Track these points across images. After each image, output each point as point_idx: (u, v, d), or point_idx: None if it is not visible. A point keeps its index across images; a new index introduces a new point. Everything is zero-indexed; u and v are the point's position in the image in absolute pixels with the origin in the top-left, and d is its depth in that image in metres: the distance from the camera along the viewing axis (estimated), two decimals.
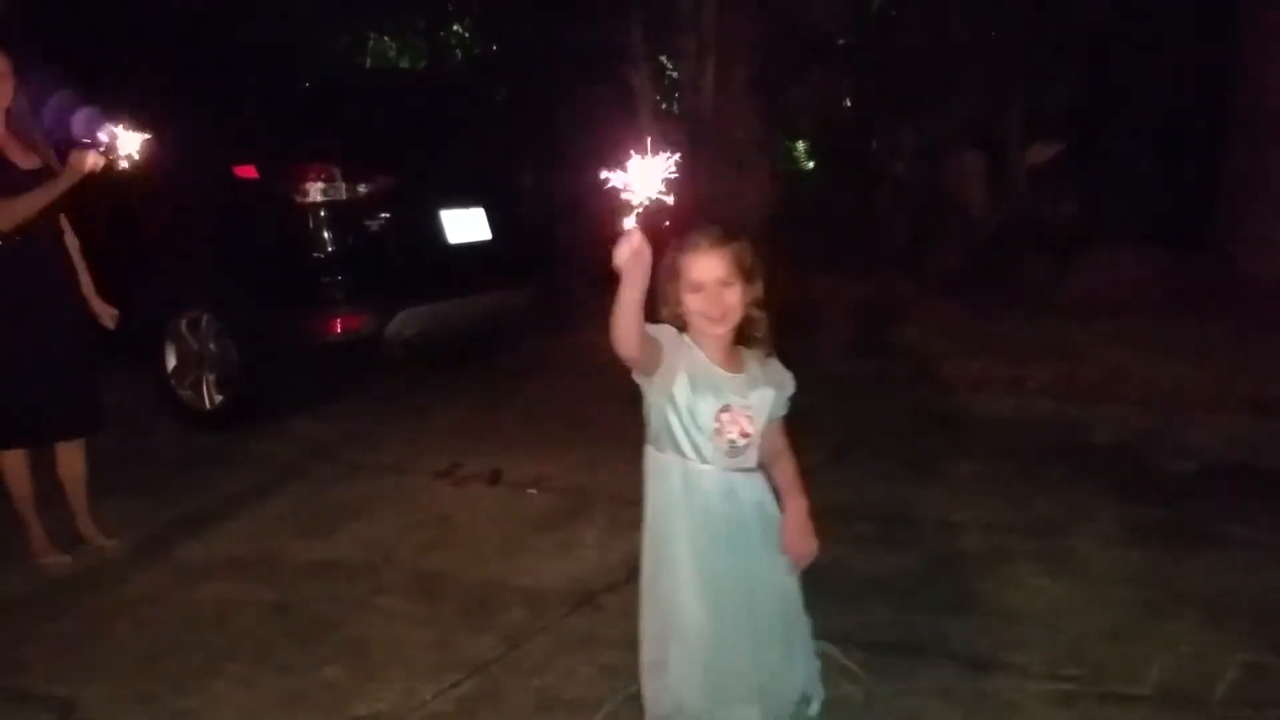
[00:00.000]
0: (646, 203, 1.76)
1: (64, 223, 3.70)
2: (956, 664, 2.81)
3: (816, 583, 3.21)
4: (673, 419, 2.05)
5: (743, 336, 2.11)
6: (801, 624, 2.23)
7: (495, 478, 4.34)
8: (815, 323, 7.36)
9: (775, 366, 2.14)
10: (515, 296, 5.84)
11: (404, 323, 5.15)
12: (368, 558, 3.63)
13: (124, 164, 3.51)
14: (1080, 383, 5.67)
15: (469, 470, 4.46)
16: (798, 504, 2.17)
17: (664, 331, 2.05)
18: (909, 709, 2.61)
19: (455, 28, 13.59)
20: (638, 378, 2.06)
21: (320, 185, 4.93)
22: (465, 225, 5.50)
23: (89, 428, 3.77)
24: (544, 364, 6.54)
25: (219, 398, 5.23)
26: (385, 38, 12.94)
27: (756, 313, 2.09)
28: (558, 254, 6.14)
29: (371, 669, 2.87)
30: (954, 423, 5.17)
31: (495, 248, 5.58)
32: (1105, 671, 2.75)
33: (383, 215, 5.13)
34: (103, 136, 3.51)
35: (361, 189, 5.04)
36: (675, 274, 2.05)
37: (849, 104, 11.27)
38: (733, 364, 2.09)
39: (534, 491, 4.22)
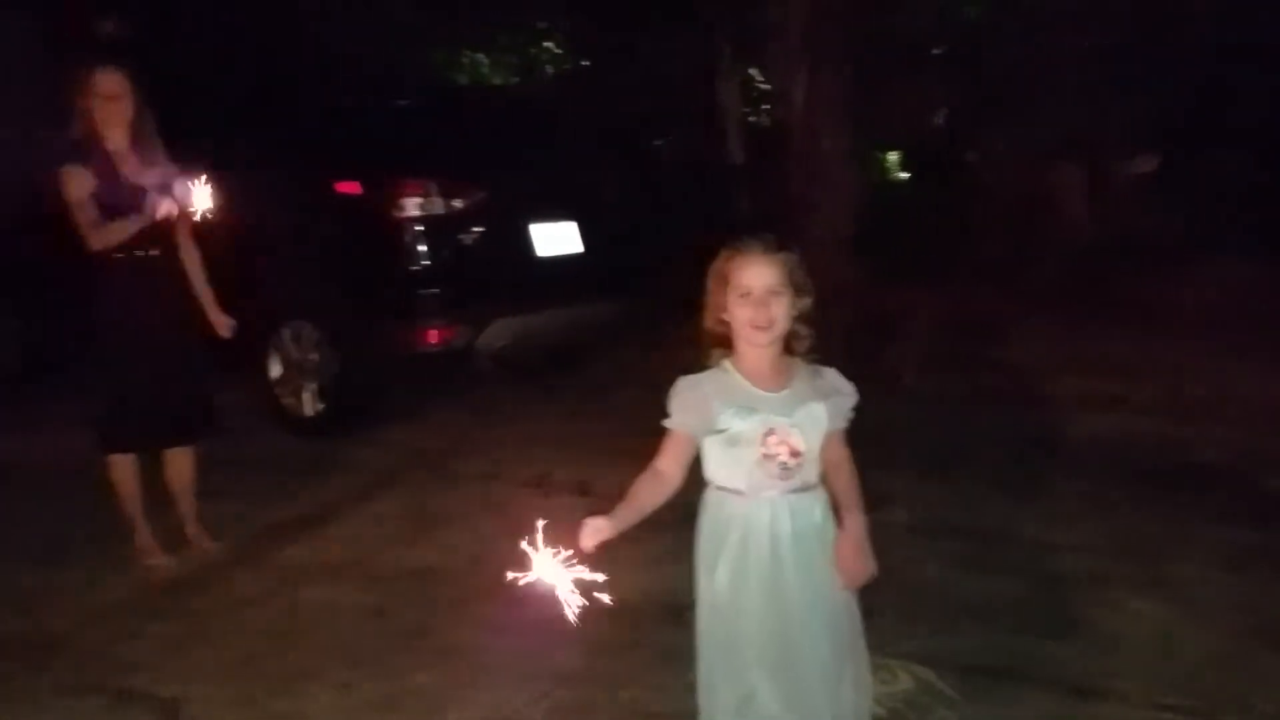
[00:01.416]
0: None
1: (187, 235, 3.85)
2: (1055, 690, 2.74)
3: (909, 604, 3.19)
4: (720, 451, 2.03)
5: (789, 351, 2.07)
6: (857, 651, 2.16)
7: (584, 489, 4.38)
8: (908, 337, 7.26)
9: (830, 377, 2.09)
10: (606, 309, 5.89)
11: (496, 333, 5.24)
12: (459, 565, 3.69)
13: (196, 215, 3.65)
14: (1184, 401, 5.48)
15: (558, 480, 4.51)
16: (855, 521, 2.10)
17: (681, 401, 2.03)
18: None
19: (546, 44, 13.80)
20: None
21: (417, 201, 5.06)
22: (557, 238, 5.57)
23: (198, 433, 3.91)
24: (634, 376, 6.55)
25: (320, 405, 5.38)
26: (479, 55, 13.18)
27: (803, 328, 2.05)
28: (648, 267, 6.17)
29: (463, 676, 2.92)
30: (1052, 441, 5.02)
31: (587, 260, 5.64)
32: (1210, 701, 2.66)
33: (477, 229, 5.23)
34: (179, 189, 3.63)
35: (457, 204, 5.15)
36: (724, 279, 2.02)
37: (943, 114, 11.11)
38: (776, 380, 2.04)
39: None
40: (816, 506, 2.07)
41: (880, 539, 3.70)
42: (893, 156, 14.56)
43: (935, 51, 9.97)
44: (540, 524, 1.87)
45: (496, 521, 4.10)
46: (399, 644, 3.12)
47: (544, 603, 1.90)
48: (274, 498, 4.48)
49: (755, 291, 1.99)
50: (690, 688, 2.70)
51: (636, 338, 6.96)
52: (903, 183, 14.20)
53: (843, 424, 2.10)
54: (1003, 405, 5.71)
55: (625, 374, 6.64)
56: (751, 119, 12.57)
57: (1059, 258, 8.51)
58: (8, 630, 3.31)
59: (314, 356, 5.35)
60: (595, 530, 1.95)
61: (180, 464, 3.90)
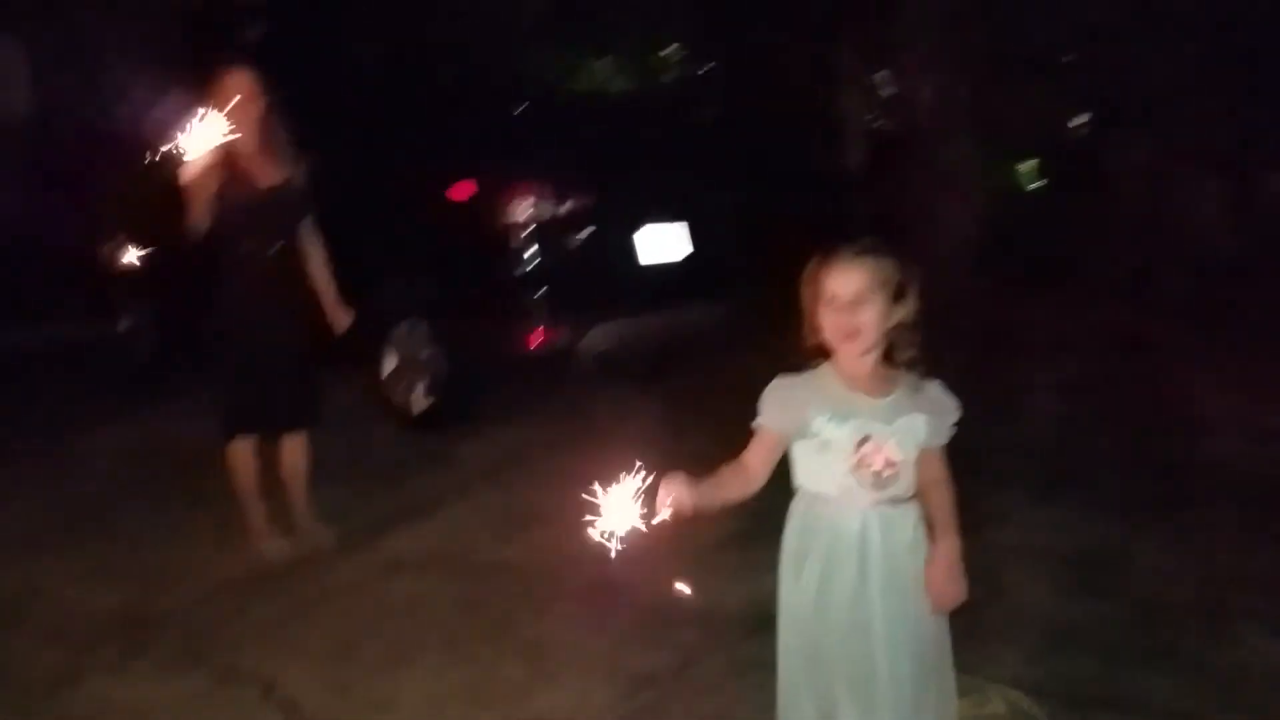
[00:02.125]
0: (621, 538, 1.82)
1: (310, 232, 4.00)
2: None
3: (1011, 627, 3.09)
4: (811, 457, 1.97)
5: (890, 361, 1.99)
6: (943, 676, 2.07)
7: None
8: (1031, 352, 7.04)
9: (933, 391, 2.01)
10: (713, 313, 5.88)
11: (599, 337, 5.29)
12: (552, 562, 3.71)
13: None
14: None
15: (652, 486, 4.50)
16: (949, 543, 2.01)
17: (774, 397, 1.99)
18: None
19: (669, 49, 13.86)
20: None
21: (527, 205, 5.14)
22: (664, 242, 5.59)
23: (309, 422, 4.06)
24: (737, 381, 6.51)
25: (428, 402, 5.51)
26: (602, 59, 13.32)
27: (905, 337, 1.97)
28: (756, 273, 6.13)
29: (549, 670, 2.95)
30: (1178, 465, 4.77)
31: (693, 265, 5.64)
32: None
33: (584, 233, 5.30)
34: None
35: (566, 208, 5.22)
36: (815, 286, 1.96)
37: (1075, 123, 10.72)
38: (876, 388, 1.97)
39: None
40: (909, 522, 2.00)
41: (986, 560, 3.61)
42: (1029, 164, 14.12)
43: (1065, 59, 9.63)
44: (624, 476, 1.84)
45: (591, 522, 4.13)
46: (489, 635, 3.18)
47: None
48: (380, 489, 4.62)
49: (841, 298, 1.92)
50: (773, 700, 2.68)
51: (741, 344, 6.93)
52: (1038, 191, 13.74)
53: (943, 440, 2.02)
54: (1127, 424, 5.46)
55: (727, 381, 6.60)
56: (874, 125, 12.38)
57: (1195, 272, 8.10)
58: (123, 604, 3.50)
59: (425, 354, 5.48)
60: (675, 499, 1.91)
61: (294, 452, 4.04)
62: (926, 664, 2.02)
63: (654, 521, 1.87)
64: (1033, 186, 11.95)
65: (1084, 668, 2.90)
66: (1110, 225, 9.04)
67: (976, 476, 4.43)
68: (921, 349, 2.00)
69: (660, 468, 1.93)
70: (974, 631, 3.08)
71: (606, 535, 1.84)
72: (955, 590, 2.01)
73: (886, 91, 11.91)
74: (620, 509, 1.84)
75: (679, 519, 1.88)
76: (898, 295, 1.95)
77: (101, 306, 7.77)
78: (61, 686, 2.96)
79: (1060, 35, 9.27)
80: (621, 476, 1.84)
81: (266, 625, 3.31)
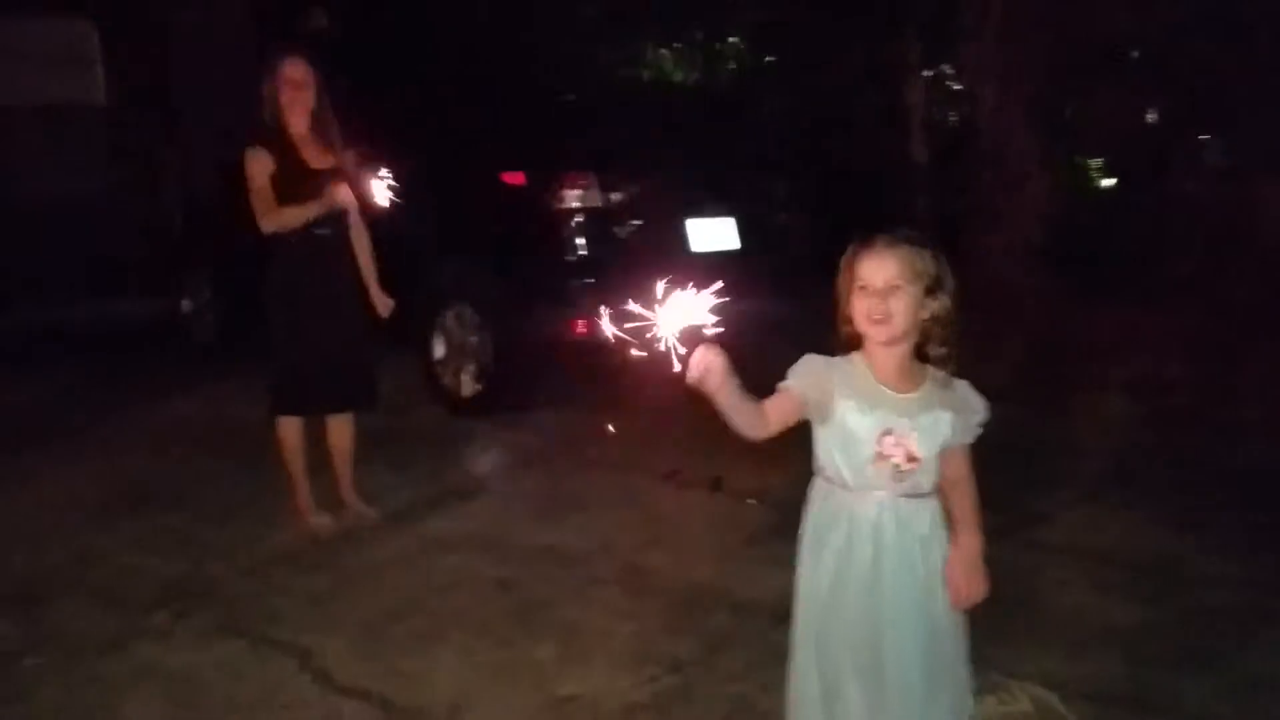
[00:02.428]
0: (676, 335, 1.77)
1: (357, 219, 4.08)
2: None
3: (1045, 626, 3.07)
4: (833, 444, 1.96)
5: (924, 355, 1.97)
6: (957, 674, 2.04)
7: (716, 485, 4.39)
8: (1091, 352, 6.93)
9: (961, 389, 1.98)
10: (761, 307, 5.86)
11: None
12: (587, 548, 3.77)
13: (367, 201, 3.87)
14: None
15: (692, 475, 4.54)
16: (971, 540, 2.00)
17: (806, 367, 1.98)
18: None
19: (731, 39, 13.80)
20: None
21: (577, 193, 5.19)
22: (714, 234, 5.60)
23: (361, 403, 4.14)
24: (778, 376, 6.50)
25: (476, 387, 5.60)
26: (662, 50, 13.32)
27: (937, 331, 1.94)
28: (809, 267, 6.11)
29: (579, 653, 2.99)
30: (1231, 470, 4.67)
31: (743, 257, 5.64)
32: None
33: (634, 222, 5.33)
34: (353, 175, 3.88)
35: (615, 197, 5.26)
36: (850, 274, 1.94)
37: (1145, 120, 10.49)
38: (906, 382, 1.95)
39: (754, 502, 4.23)
40: (925, 516, 1.98)
41: (1026, 559, 3.59)
42: (1096, 163, 13.84)
43: (1134, 54, 9.40)
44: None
45: (627, 510, 4.18)
46: (522, 616, 3.23)
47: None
48: (425, 470, 4.71)
49: (872, 285, 1.90)
50: None
51: (793, 339, 6.91)
52: (1108, 191, 13.47)
53: (968, 439, 2.00)
54: (1181, 429, 5.36)
55: (774, 373, 6.60)
56: (940, 119, 12.23)
57: (1263, 275, 7.89)
58: (172, 573, 3.62)
59: (473, 339, 5.57)
60: (708, 367, 1.85)
61: (341, 431, 4.14)
62: (939, 659, 2.00)
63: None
64: (1100, 185, 11.73)
65: (1116, 669, 2.86)
66: (1179, 225, 8.85)
67: (1025, 475, 4.44)
68: (955, 346, 1.97)
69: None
70: (1005, 629, 3.08)
71: (665, 340, 1.80)
72: (975, 587, 2.00)
73: (952, 86, 11.77)
74: (675, 314, 1.81)
75: (698, 387, 1.85)
76: (932, 289, 1.92)
77: (167, 287, 8.02)
78: (112, 648, 3.07)
79: (1129, 32, 9.06)
80: (670, 291, 1.82)
81: (307, 597, 3.40)
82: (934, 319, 1.94)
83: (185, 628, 3.21)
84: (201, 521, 4.12)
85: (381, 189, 3.89)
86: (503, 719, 2.66)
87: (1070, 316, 8.14)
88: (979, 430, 2.01)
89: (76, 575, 3.63)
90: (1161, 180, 9.63)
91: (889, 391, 1.94)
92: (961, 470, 2.02)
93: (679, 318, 1.80)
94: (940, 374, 1.98)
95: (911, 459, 1.92)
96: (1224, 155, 8.46)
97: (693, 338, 1.82)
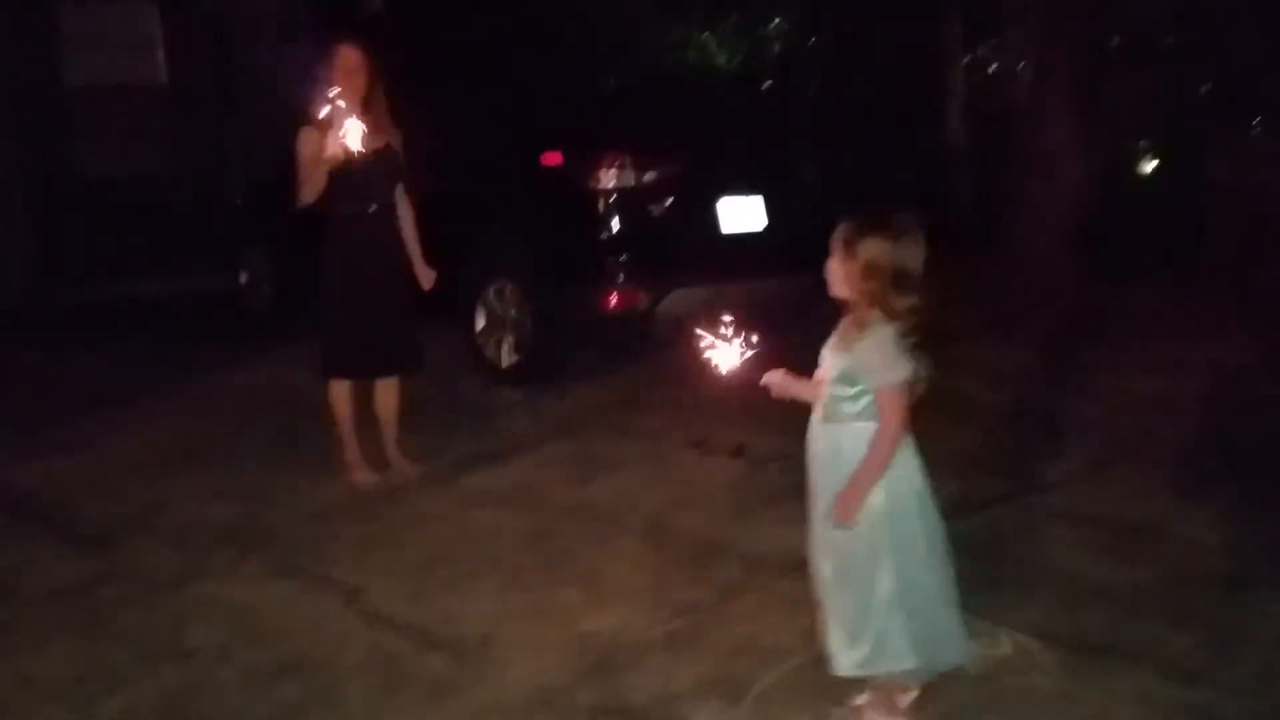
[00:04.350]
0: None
1: (402, 194, 4.36)
2: (1163, 673, 2.75)
3: (1034, 581, 3.27)
4: None
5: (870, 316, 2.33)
6: (865, 579, 2.37)
7: (739, 451, 4.62)
8: (1120, 333, 7.04)
9: (876, 346, 2.31)
10: (788, 285, 6.05)
11: (676, 302, 5.53)
12: (615, 506, 4.03)
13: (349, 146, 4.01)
14: None
15: (717, 442, 4.77)
16: (858, 474, 2.35)
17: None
18: (1098, 706, 2.61)
19: (776, 22, 13.88)
20: None
21: (613, 173, 5.43)
22: (743, 213, 5.80)
23: (406, 367, 4.43)
24: (802, 350, 6.68)
25: (515, 358, 5.87)
26: (705, 34, 13.45)
27: (860, 301, 2.33)
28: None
29: (601, 596, 3.25)
30: (1241, 447, 4.80)
31: (771, 236, 5.83)
32: None
33: (666, 201, 5.55)
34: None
35: (649, 177, 5.49)
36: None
37: (1186, 105, 10.45)
38: (846, 337, 2.37)
39: (774, 466, 4.46)
40: (840, 440, 2.38)
41: (1027, 522, 3.79)
42: (1136, 149, 13.77)
43: (1169, 39, 9.39)
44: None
45: (654, 473, 4.42)
46: (550, 564, 3.50)
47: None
48: (465, 433, 5.01)
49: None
50: (802, 630, 2.93)
51: (820, 318, 7.10)
52: (1144, 177, 13.41)
53: (876, 384, 2.32)
54: (1198, 407, 5.48)
55: (793, 348, 6.79)
56: (979, 103, 12.25)
57: None
58: (234, 520, 3.95)
59: (513, 313, 5.84)
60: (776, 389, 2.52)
61: (387, 394, 4.43)
62: (846, 559, 2.40)
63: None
64: (1139, 172, 11.68)
65: (1100, 622, 3.04)
66: (1216, 212, 8.86)
67: (1039, 447, 4.62)
68: (891, 311, 2.31)
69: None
70: (998, 582, 3.30)
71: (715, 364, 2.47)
72: (842, 512, 2.35)
73: (991, 69, 11.79)
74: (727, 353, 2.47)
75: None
76: (865, 268, 2.30)
77: (225, 262, 8.40)
78: (180, 584, 3.40)
79: (1169, 17, 9.06)
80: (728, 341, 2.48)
81: (355, 544, 3.70)
82: (859, 292, 2.35)
83: (244, 568, 3.52)
84: (259, 475, 4.45)
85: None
86: (529, 649, 2.92)
87: (1102, 299, 8.22)
88: (889, 381, 2.32)
89: (147, 521, 3.97)
90: (1201, 165, 9.62)
91: (832, 341, 2.44)
92: (880, 414, 2.35)
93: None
94: (884, 331, 2.31)
95: (818, 383, 2.42)
96: (1263, 141, 8.45)
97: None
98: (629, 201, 5.45)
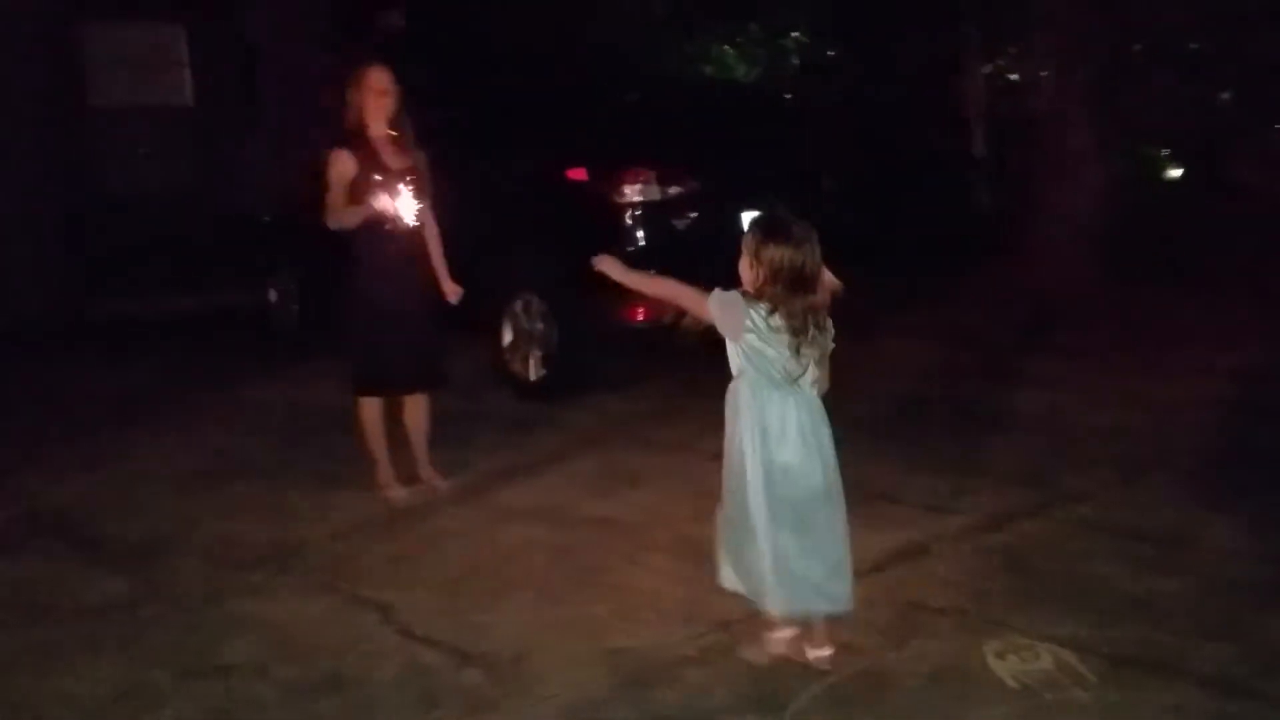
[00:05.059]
0: None
1: (428, 213, 4.38)
2: (1200, 685, 2.73)
3: (1072, 595, 3.25)
4: None
5: None
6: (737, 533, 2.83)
7: None
8: (1144, 341, 7.00)
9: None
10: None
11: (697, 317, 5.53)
12: (642, 520, 4.03)
13: (404, 223, 4.14)
14: None
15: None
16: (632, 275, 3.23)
17: None
18: (1134, 717, 2.60)
19: (794, 34, 13.90)
20: None
21: (637, 187, 5.45)
22: None
23: (434, 384, 4.47)
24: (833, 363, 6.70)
25: (542, 372, 5.90)
26: (725, 47, 13.49)
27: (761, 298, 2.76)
28: (855, 257, 6.27)
29: (631, 611, 3.25)
30: (1273, 454, 4.77)
31: None
32: None
33: (690, 215, 5.57)
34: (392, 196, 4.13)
35: (673, 191, 5.51)
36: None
37: (1208, 109, 10.40)
38: None
39: None
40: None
41: (1060, 533, 3.78)
42: (1157, 154, 13.72)
43: (1193, 45, 9.34)
44: None
45: (682, 486, 4.41)
46: (581, 579, 3.50)
47: None
48: (494, 448, 5.02)
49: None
50: (838, 647, 2.92)
51: (840, 327, 7.10)
52: (1173, 181, 13.37)
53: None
54: (1227, 414, 5.44)
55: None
56: (999, 112, 12.23)
57: None
58: (267, 537, 3.98)
59: (540, 327, 5.86)
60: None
61: (417, 410, 4.46)
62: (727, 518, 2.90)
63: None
64: (1161, 177, 11.63)
65: (1137, 634, 3.01)
66: (1238, 216, 8.80)
67: (1068, 457, 4.59)
68: (790, 307, 2.74)
69: None
70: (1035, 593, 3.29)
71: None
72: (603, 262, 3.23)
73: (1010, 76, 11.76)
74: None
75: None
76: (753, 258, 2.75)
77: (255, 278, 8.49)
78: (214, 601, 3.43)
79: (1190, 21, 9.02)
80: None
81: (387, 560, 3.72)
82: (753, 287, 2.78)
83: (279, 584, 3.55)
84: (291, 491, 4.49)
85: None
86: (562, 666, 2.92)
87: (1126, 304, 8.18)
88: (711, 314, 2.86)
89: (181, 538, 4.01)
90: (1223, 170, 9.57)
91: None
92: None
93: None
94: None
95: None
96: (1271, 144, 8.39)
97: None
98: (653, 215, 5.48)
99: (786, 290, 2.71)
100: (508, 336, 6.04)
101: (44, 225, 10.15)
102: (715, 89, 9.22)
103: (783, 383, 2.78)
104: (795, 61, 13.65)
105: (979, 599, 3.26)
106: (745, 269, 2.79)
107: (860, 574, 3.43)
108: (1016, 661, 2.86)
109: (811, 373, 2.80)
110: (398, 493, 4.37)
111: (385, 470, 4.41)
